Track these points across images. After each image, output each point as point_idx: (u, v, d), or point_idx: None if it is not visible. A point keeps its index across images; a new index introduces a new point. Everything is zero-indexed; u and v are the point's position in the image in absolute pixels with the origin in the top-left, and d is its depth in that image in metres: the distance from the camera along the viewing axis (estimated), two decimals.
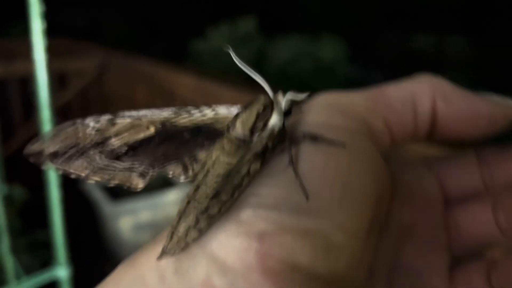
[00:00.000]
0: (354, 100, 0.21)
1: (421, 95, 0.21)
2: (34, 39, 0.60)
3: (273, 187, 0.18)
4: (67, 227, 0.67)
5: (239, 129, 0.20)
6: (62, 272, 0.79)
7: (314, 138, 0.19)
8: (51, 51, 0.60)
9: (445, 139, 0.22)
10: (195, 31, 2.29)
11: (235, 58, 0.20)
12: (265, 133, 0.19)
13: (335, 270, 0.18)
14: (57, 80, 1.92)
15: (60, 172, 0.20)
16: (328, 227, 0.18)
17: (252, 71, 0.20)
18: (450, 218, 0.23)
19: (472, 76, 1.95)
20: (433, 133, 0.21)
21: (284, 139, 0.19)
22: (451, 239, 0.23)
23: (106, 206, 1.54)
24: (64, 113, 1.90)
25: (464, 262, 0.23)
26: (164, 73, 1.68)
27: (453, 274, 0.22)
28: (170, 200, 1.58)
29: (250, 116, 0.20)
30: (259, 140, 0.19)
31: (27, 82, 1.90)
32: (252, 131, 0.20)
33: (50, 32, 0.61)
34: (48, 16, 0.59)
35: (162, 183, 1.63)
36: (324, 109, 0.20)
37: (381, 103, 0.21)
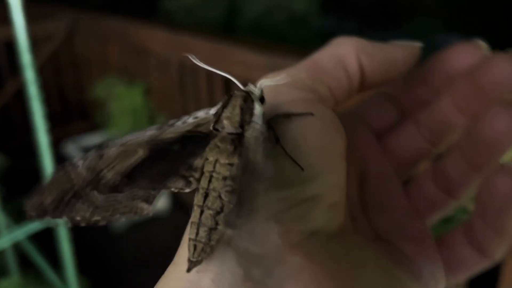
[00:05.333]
0: (300, 74, 0.22)
1: (348, 57, 0.23)
2: (12, 4, 0.58)
3: (272, 168, 0.19)
4: None
5: (229, 126, 0.20)
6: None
7: (287, 116, 0.20)
8: None
9: (374, 87, 0.24)
10: None
11: (199, 62, 0.21)
12: (258, 121, 0.20)
13: (338, 224, 0.21)
14: None
15: (67, 222, 0.20)
16: (325, 189, 0.20)
17: (219, 71, 0.21)
18: (385, 148, 0.26)
19: (446, 21, 1.96)
20: (363, 85, 0.24)
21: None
22: (394, 165, 0.25)
23: None
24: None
25: (411, 179, 0.26)
26: (136, 30, 1.64)
27: (408, 192, 0.25)
28: None
29: (234, 112, 0.20)
30: (259, 128, 0.20)
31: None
32: (242, 124, 0.20)
33: None
34: None
35: None
36: (282, 88, 0.22)
37: (320, 71, 0.23)
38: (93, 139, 1.70)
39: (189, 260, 0.18)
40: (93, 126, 1.82)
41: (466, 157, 0.22)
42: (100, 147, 0.20)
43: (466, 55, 0.23)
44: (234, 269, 0.18)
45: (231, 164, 0.19)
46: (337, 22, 2.42)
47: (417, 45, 0.24)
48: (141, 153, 0.20)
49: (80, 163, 0.20)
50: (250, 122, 0.20)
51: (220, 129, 0.20)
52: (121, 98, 1.55)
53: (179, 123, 0.21)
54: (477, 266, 0.22)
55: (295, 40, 1.98)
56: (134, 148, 0.20)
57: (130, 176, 0.20)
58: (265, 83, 0.21)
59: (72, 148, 1.64)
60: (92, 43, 1.90)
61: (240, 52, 1.26)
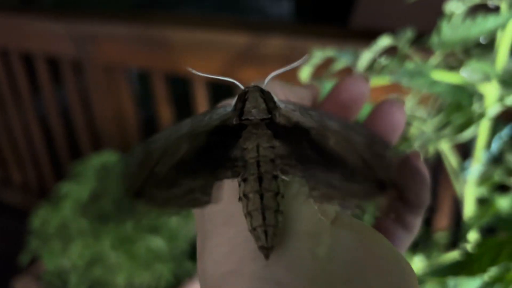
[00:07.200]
0: (286, 95, 0.25)
1: (280, 94, 0.25)
2: None
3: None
4: None
5: (259, 113, 0.21)
6: None
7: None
8: None
9: None
10: None
11: (201, 74, 0.23)
12: (281, 105, 0.21)
13: None
14: None
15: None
16: None
17: (222, 77, 0.23)
18: None
19: None
20: None
21: None
22: None
23: None
24: None
25: None
26: None
27: None
28: None
29: (258, 101, 0.21)
30: (286, 108, 0.21)
31: None
32: (270, 110, 0.21)
33: None
34: None
35: None
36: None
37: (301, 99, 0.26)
38: None
39: (263, 248, 0.18)
40: None
41: None
42: (144, 143, 0.21)
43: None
44: (301, 252, 0.19)
45: (273, 147, 0.20)
46: None
47: (316, 85, 0.29)
48: (185, 147, 0.21)
49: (131, 161, 0.21)
50: (275, 108, 0.21)
51: (250, 118, 0.21)
52: None
53: (206, 118, 0.22)
54: (408, 243, 0.26)
55: (113, 7, 1.85)
56: (178, 143, 0.21)
57: (182, 170, 0.20)
58: (274, 74, 0.23)
59: None
60: None
61: (39, 24, 1.13)
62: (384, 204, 0.19)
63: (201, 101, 0.99)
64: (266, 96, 0.21)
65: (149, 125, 1.29)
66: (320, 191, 0.19)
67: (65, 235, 0.92)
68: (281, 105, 0.21)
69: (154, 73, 1.03)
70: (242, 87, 0.22)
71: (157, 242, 0.90)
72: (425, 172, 0.24)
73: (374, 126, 0.25)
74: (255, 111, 0.21)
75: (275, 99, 0.22)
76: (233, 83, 0.23)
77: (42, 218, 0.97)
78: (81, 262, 0.90)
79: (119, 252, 0.87)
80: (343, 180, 0.19)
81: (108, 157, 1.00)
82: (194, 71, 0.23)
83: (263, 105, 0.21)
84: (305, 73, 0.42)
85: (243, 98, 0.21)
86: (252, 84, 0.22)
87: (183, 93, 1.07)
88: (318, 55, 0.40)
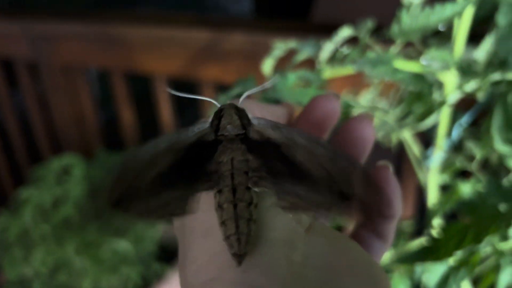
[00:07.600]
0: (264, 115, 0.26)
1: (257, 114, 0.26)
2: None
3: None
4: None
5: (233, 129, 0.22)
6: None
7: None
8: None
9: None
10: None
11: (177, 93, 0.25)
12: (254, 121, 0.22)
13: None
14: None
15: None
16: None
17: (199, 96, 0.24)
18: None
19: None
20: None
21: None
22: None
23: None
24: None
25: None
26: None
27: None
28: None
29: (233, 118, 0.22)
30: (259, 123, 0.22)
31: None
32: (243, 126, 0.22)
33: None
34: None
35: None
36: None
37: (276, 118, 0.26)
38: None
39: (236, 255, 0.19)
40: None
41: None
42: (126, 159, 0.22)
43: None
44: (277, 258, 0.19)
45: (247, 160, 0.21)
46: None
47: (290, 104, 0.30)
48: (162, 164, 0.22)
49: (112, 179, 0.22)
50: (249, 124, 0.22)
51: (225, 133, 0.22)
52: None
53: (183, 135, 0.23)
54: (384, 252, 0.26)
55: (70, 6, 1.80)
56: (155, 159, 0.22)
57: (159, 185, 0.21)
58: (248, 93, 0.24)
59: None
60: None
61: None
62: (345, 213, 0.21)
63: (163, 100, 0.98)
64: (240, 113, 0.23)
65: (111, 127, 1.27)
66: (288, 202, 0.20)
67: (27, 242, 0.89)
68: (255, 122, 0.23)
69: (114, 73, 1.00)
70: (218, 105, 0.23)
71: (123, 245, 0.88)
72: (395, 182, 0.25)
73: (345, 142, 0.26)
74: (230, 127, 0.22)
75: (249, 115, 0.23)
76: (209, 100, 0.24)
77: (2, 225, 0.94)
78: (44, 269, 0.87)
79: (84, 256, 0.85)
80: (309, 191, 0.21)
81: (69, 160, 0.97)
82: (172, 91, 0.25)
83: (237, 122, 0.22)
84: (267, 66, 0.42)
85: (218, 115, 0.23)
86: (228, 102, 0.23)
87: (144, 93, 1.05)
88: (280, 47, 0.40)
